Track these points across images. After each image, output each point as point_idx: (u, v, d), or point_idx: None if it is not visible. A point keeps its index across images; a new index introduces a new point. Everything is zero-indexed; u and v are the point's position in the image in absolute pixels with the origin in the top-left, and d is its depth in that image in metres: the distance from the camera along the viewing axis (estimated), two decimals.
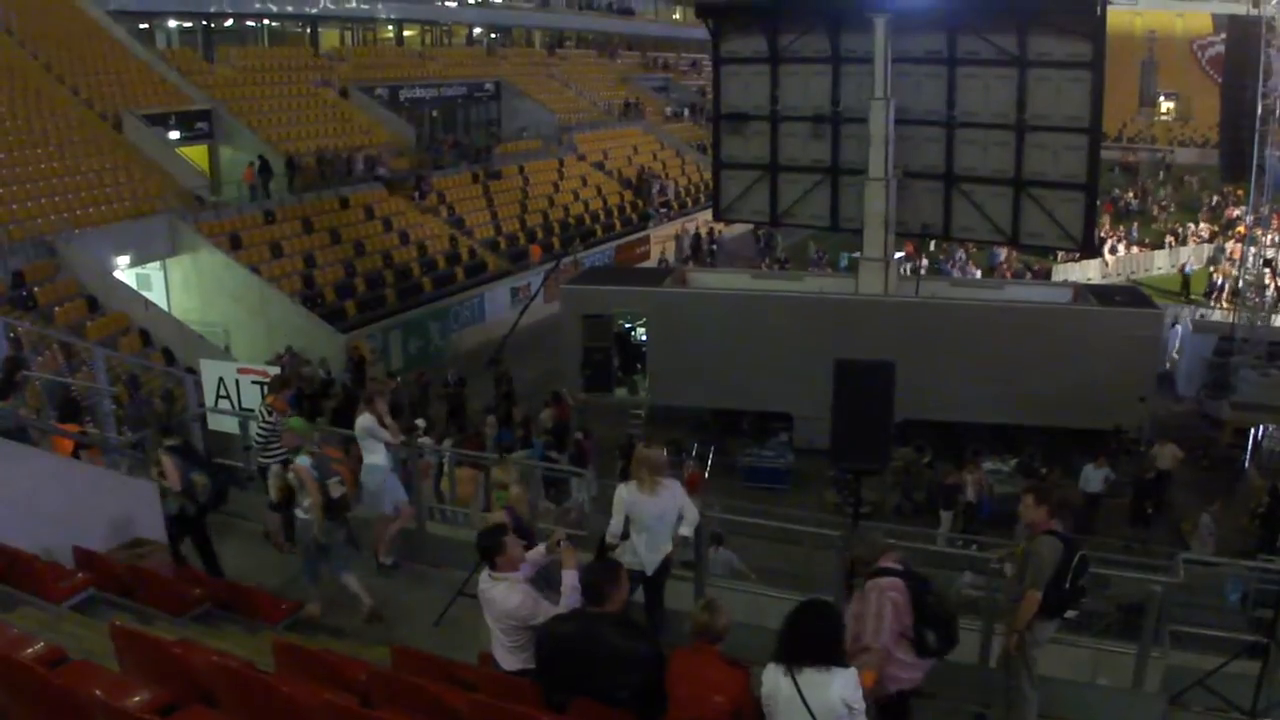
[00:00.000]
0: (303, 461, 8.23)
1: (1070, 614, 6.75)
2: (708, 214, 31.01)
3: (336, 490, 8.15)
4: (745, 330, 20.29)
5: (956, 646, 6.14)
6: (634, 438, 19.21)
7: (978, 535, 14.76)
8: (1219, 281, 32.23)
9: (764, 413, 20.58)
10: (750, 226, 35.57)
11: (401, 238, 29.13)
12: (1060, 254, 30.88)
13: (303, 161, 29.12)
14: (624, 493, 7.07)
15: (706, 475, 18.38)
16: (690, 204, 41.19)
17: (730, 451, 19.78)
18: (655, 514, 7.02)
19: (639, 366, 21.82)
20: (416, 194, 31.13)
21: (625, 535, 7.02)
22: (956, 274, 30.79)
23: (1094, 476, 17.03)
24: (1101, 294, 21.71)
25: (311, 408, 17.22)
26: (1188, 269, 34.12)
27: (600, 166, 40.26)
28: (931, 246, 32.67)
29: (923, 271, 29.71)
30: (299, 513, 8.41)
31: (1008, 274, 31.33)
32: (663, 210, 39.64)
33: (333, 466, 8.35)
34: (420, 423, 12.40)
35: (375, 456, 9.34)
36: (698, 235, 38.24)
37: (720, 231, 38.34)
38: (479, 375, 22.50)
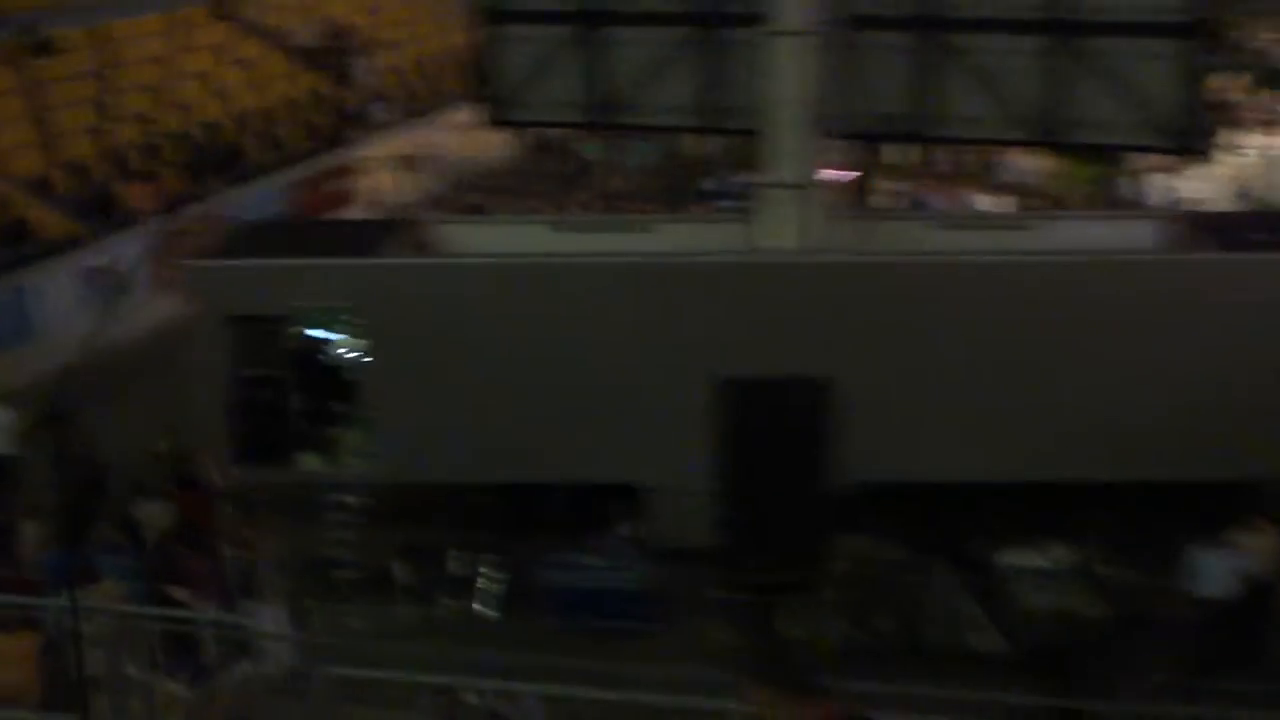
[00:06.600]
0: None
1: None
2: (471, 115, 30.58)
3: None
4: (546, 333, 20.74)
5: None
6: (335, 554, 20.10)
7: None
8: None
9: (587, 487, 21.12)
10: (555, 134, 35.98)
11: None
12: (1145, 157, 32.36)
13: None
14: None
15: (499, 605, 19.61)
16: (432, 94, 41.55)
17: (533, 561, 20.28)
18: None
19: (345, 413, 21.94)
20: None
21: None
22: (941, 206, 32.80)
23: (1216, 570, 17.53)
24: (1231, 230, 22.14)
25: None
26: None
27: (253, 27, 40.74)
28: None
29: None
30: None
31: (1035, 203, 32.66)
32: (375, 105, 40.41)
33: None
34: None
35: None
36: None
37: None
38: (20, 444, 22.69)
